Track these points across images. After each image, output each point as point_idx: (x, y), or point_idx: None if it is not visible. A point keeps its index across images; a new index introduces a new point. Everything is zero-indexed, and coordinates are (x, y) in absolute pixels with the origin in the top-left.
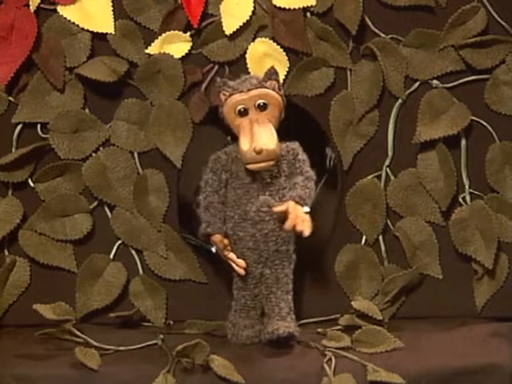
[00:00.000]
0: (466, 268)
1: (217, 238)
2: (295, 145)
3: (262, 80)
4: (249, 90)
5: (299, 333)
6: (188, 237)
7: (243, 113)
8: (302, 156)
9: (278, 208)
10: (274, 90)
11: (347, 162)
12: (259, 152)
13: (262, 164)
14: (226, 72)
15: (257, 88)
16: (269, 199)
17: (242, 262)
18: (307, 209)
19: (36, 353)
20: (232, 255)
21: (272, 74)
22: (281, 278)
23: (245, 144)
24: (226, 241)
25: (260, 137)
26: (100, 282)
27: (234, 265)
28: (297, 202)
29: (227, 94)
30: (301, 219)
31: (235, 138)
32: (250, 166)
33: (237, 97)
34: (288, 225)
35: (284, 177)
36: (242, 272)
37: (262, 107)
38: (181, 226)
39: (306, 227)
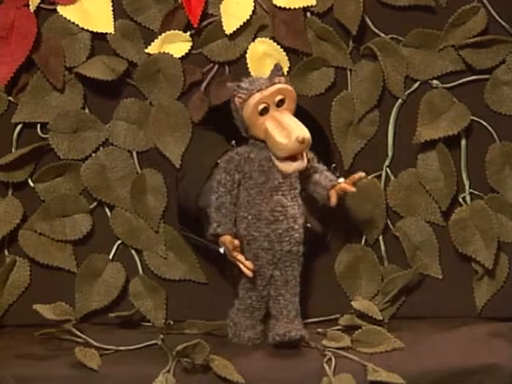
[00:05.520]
0: (466, 268)
1: (226, 238)
2: None
3: (272, 77)
4: (267, 87)
5: (307, 335)
6: (189, 235)
7: (264, 111)
8: (310, 154)
9: (334, 199)
10: (286, 83)
11: (347, 162)
12: (302, 141)
13: (298, 163)
14: (226, 72)
15: (273, 84)
16: (282, 199)
17: (250, 264)
18: (342, 179)
19: (36, 353)
20: (241, 257)
21: (278, 70)
22: (289, 281)
23: (281, 138)
24: (236, 242)
25: (295, 127)
26: (99, 282)
27: (242, 266)
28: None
29: (244, 96)
30: (349, 179)
31: (241, 141)
32: (286, 167)
33: (258, 95)
34: (348, 187)
35: (294, 177)
36: (250, 274)
37: (280, 103)
38: (182, 225)
39: (358, 174)
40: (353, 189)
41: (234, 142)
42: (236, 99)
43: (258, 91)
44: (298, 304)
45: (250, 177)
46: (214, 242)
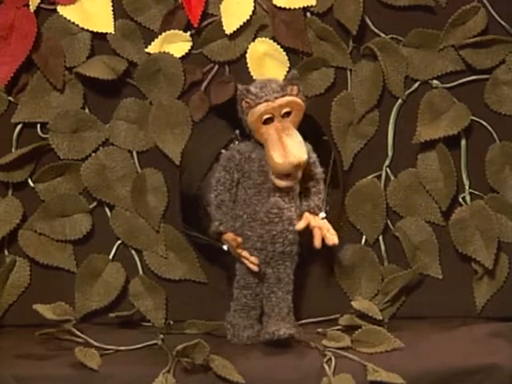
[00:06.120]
0: (466, 268)
1: (229, 236)
2: (307, 147)
3: (284, 86)
4: (275, 98)
5: (299, 334)
6: (194, 234)
7: (268, 120)
8: (312, 158)
9: (300, 226)
10: (297, 95)
11: (347, 162)
12: (298, 165)
13: (289, 182)
14: (226, 72)
15: (283, 96)
16: (279, 201)
17: (255, 259)
18: (323, 214)
19: (36, 353)
20: (245, 253)
21: (293, 78)
22: (282, 278)
23: (278, 157)
24: (239, 239)
25: (293, 149)
26: (99, 283)
27: (247, 262)
28: (313, 212)
29: (251, 102)
30: (325, 230)
31: (244, 135)
32: (277, 182)
33: (264, 106)
34: (318, 242)
35: None
36: (255, 269)
37: (286, 114)
38: (186, 223)
39: (334, 237)
40: (318, 243)
41: (237, 131)
42: (243, 103)
43: (266, 101)
44: (290, 302)
45: (248, 176)
46: (217, 240)
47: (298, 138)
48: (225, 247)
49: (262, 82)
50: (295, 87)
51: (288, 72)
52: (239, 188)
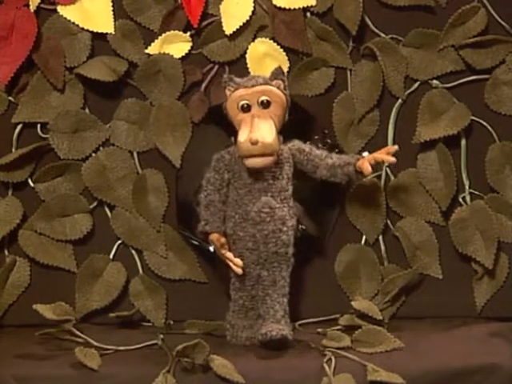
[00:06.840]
0: (466, 268)
1: (214, 236)
2: (297, 144)
3: (268, 78)
4: (253, 85)
5: (292, 336)
6: (189, 235)
7: (246, 109)
8: (308, 148)
9: (368, 169)
10: (278, 88)
11: None
12: (255, 143)
13: (258, 160)
14: (226, 72)
15: (261, 85)
16: (270, 200)
17: (239, 262)
18: (365, 153)
19: (36, 353)
20: (229, 254)
21: (278, 73)
22: (278, 281)
23: (242, 135)
24: (223, 239)
25: (258, 129)
26: (100, 282)
27: (231, 264)
28: (357, 159)
29: (232, 89)
30: (380, 155)
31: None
32: (246, 162)
33: (240, 92)
34: (389, 158)
35: (286, 179)
36: (239, 271)
37: (265, 105)
38: (181, 224)
39: (390, 156)
40: (392, 159)
41: (232, 138)
42: (226, 91)
43: (244, 88)
44: (286, 305)
45: (239, 176)
46: (204, 241)
47: (271, 125)
48: (211, 248)
49: (250, 76)
50: (279, 81)
51: (288, 72)
52: (230, 189)
